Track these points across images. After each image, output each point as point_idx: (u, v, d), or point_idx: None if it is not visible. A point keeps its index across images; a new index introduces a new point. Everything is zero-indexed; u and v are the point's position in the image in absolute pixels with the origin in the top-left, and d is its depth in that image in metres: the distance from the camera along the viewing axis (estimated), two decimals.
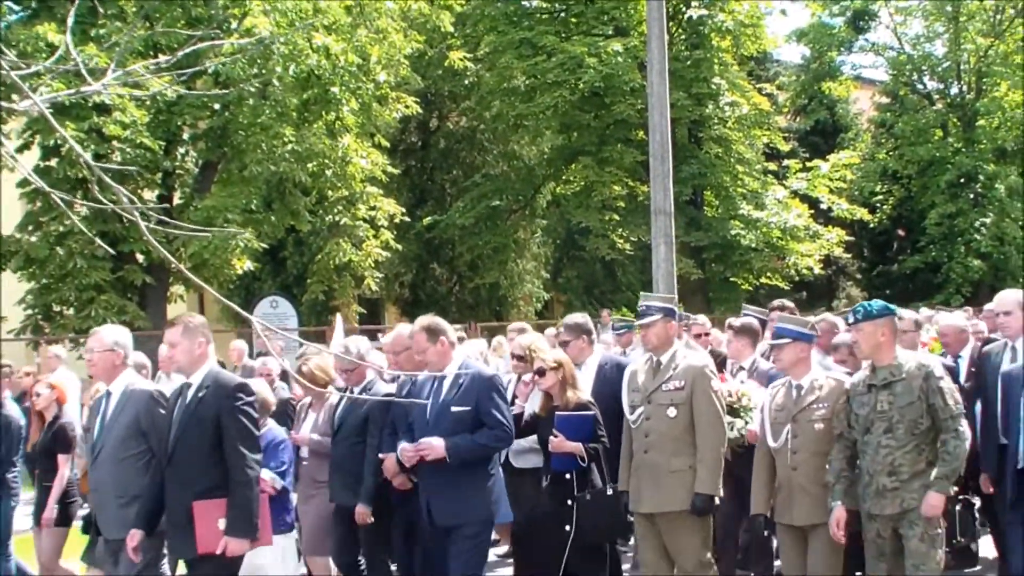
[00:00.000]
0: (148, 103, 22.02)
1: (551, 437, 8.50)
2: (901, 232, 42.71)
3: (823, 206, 35.57)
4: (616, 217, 33.07)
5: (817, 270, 34.63)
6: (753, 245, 32.44)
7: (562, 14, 33.51)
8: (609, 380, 9.83)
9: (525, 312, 36.38)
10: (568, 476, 8.52)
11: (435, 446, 7.91)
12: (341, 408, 9.38)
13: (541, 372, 8.76)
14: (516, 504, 8.76)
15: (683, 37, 32.68)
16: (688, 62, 31.64)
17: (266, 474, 8.19)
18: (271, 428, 9.14)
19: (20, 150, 22.91)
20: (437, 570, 8.20)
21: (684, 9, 32.41)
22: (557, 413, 8.62)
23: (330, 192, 25.37)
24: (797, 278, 34.76)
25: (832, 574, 7.76)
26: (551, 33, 31.44)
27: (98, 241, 9.39)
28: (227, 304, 4.56)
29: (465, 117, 36.82)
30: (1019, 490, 8.33)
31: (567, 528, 8.40)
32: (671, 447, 8.17)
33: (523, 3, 33.46)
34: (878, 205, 40.46)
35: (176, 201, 24.32)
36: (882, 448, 7.42)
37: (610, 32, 32.09)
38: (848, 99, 45.86)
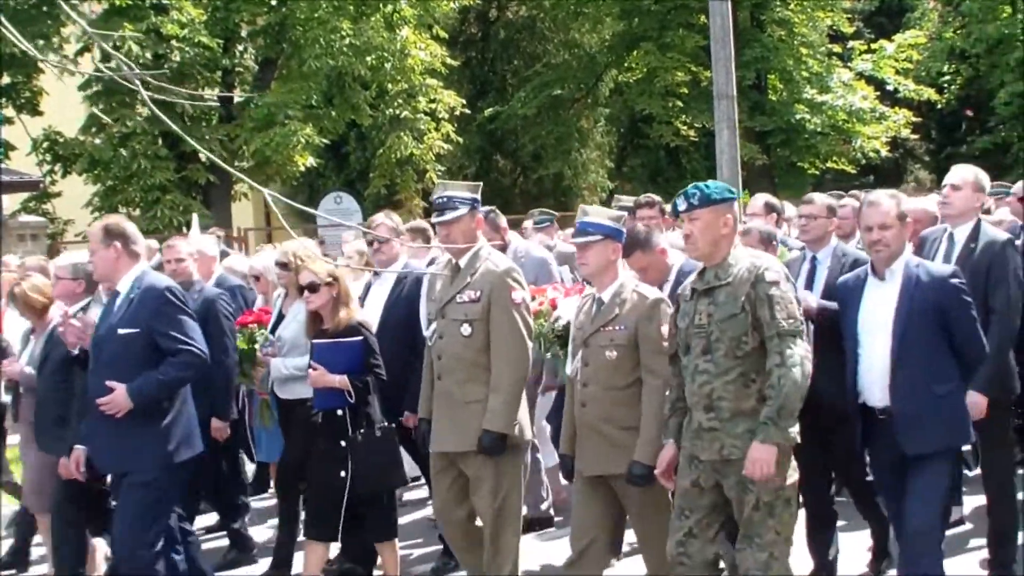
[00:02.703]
0: (205, 2, 21.99)
1: (309, 369, 7.25)
2: (970, 112, 41.88)
3: (889, 87, 34.91)
4: (679, 103, 32.66)
5: (884, 153, 34.13)
6: (818, 129, 32.03)
7: None
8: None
9: (591, 202, 36.17)
10: (340, 413, 7.25)
11: (117, 400, 6.45)
12: (45, 337, 7.85)
13: (313, 287, 7.38)
14: (288, 442, 8.06)
15: None
16: None
17: None
18: None
19: (80, 52, 22.96)
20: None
21: None
22: (315, 341, 7.35)
23: (390, 85, 25.23)
24: (864, 161, 34.29)
25: (652, 538, 6.29)
26: None
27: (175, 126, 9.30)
28: (279, 199, 4.48)
29: (524, 6, 36.50)
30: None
31: (342, 474, 7.21)
32: (465, 372, 6.76)
33: None
34: (945, 85, 39.58)
35: (236, 99, 24.33)
36: (699, 374, 5.81)
37: None
38: None
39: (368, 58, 23.86)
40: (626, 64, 33.91)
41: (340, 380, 7.14)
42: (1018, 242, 8.18)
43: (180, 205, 22.31)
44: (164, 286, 6.66)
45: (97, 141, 22.91)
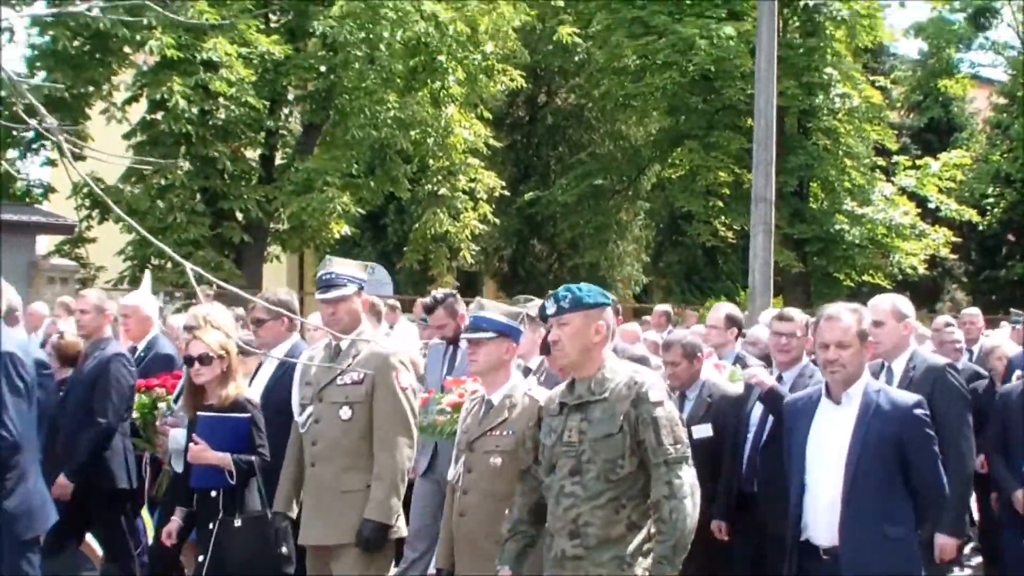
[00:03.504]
0: (255, 62, 22.18)
1: (190, 444, 6.73)
2: (1011, 237, 41.74)
3: (931, 205, 34.87)
4: (720, 203, 32.66)
5: (922, 270, 33.91)
6: (857, 241, 31.88)
7: None
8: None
9: (623, 295, 36.12)
10: (215, 494, 6.71)
11: None
12: None
13: (204, 359, 6.86)
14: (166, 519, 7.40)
15: (796, 24, 32.19)
16: (801, 50, 31.09)
17: None
18: None
19: (128, 102, 23.22)
20: None
21: None
22: (199, 414, 6.85)
23: (431, 161, 25.30)
24: (900, 277, 34.05)
25: None
26: (663, 13, 31.04)
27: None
28: (158, 246, 4.21)
29: (574, 94, 36.66)
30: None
31: (199, 559, 6.68)
32: (343, 460, 6.36)
33: None
34: (988, 208, 39.55)
35: (278, 161, 24.49)
36: (565, 496, 5.24)
37: (723, 15, 31.61)
38: (964, 98, 44.84)
39: (412, 132, 23.97)
40: (670, 160, 33.98)
41: (221, 458, 6.64)
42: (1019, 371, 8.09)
43: (212, 262, 22.35)
44: None
45: (136, 191, 23.02)
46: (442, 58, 23.79)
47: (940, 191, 34.90)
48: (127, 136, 23.14)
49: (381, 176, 24.86)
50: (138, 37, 21.08)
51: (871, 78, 36.01)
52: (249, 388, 7.32)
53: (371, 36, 22.38)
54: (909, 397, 5.81)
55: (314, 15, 22.49)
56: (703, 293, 33.37)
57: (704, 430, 7.62)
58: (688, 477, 5.12)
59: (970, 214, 35.59)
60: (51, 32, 21.42)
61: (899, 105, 43.65)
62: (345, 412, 6.34)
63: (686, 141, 32.11)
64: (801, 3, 31.52)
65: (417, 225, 26.30)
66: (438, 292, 9.14)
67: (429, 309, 9.22)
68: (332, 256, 6.94)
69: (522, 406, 5.95)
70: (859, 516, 5.52)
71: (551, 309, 5.38)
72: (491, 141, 26.79)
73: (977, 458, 8.19)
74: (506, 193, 28.99)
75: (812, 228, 31.80)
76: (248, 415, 6.82)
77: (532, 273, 35.31)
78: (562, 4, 28.91)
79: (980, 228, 38.70)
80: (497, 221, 29.00)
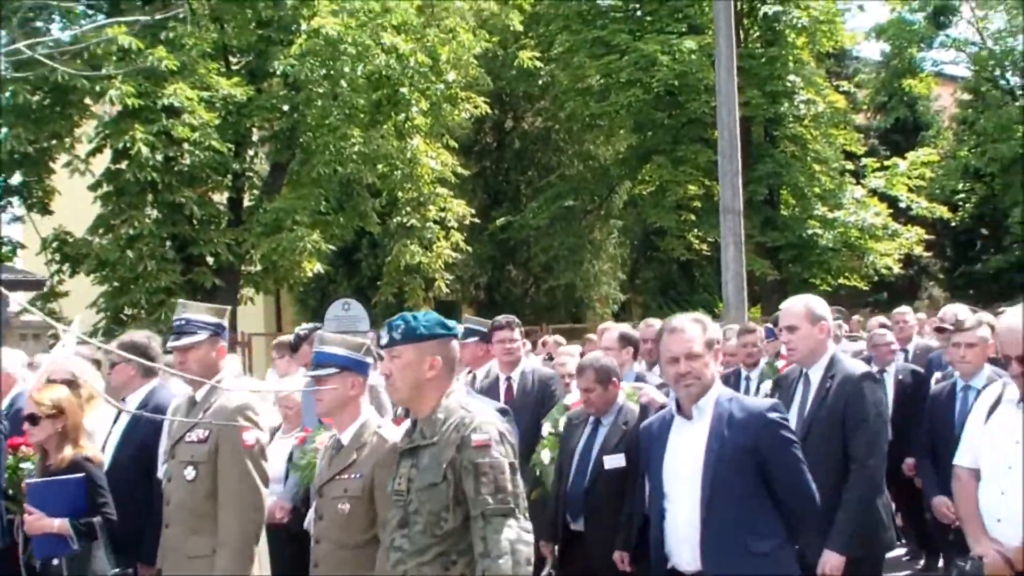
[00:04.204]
0: (218, 105, 22.12)
1: (24, 515, 6.39)
2: (984, 231, 41.92)
3: (902, 204, 34.98)
4: (692, 217, 32.71)
5: (897, 270, 34.03)
6: (831, 245, 31.98)
7: (636, 12, 33.26)
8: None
9: (601, 314, 36.09)
10: (57, 562, 6.36)
11: None
12: None
13: (32, 419, 6.55)
14: None
15: (757, 34, 32.37)
16: (763, 59, 31.21)
17: None
18: None
19: (92, 153, 23.11)
20: None
21: (759, 6, 31.96)
22: (29, 481, 6.53)
23: (399, 193, 25.23)
24: (877, 278, 34.19)
25: None
26: (624, 31, 31.16)
27: None
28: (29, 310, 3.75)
29: (540, 117, 36.72)
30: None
31: None
32: (190, 522, 5.94)
33: (596, 1, 33.26)
34: (960, 204, 39.70)
35: (246, 203, 24.41)
36: (393, 550, 4.82)
37: (683, 29, 31.72)
38: (929, 96, 45.03)
39: (378, 166, 23.90)
40: (639, 176, 34.04)
41: (59, 524, 6.32)
42: (938, 373, 8.00)
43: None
44: None
45: (104, 241, 22.91)
46: (404, 90, 23.70)
47: (910, 190, 35.06)
48: (92, 187, 23.02)
49: (349, 212, 24.80)
50: (98, 87, 20.97)
51: (835, 83, 36.27)
52: (93, 444, 6.93)
53: (332, 72, 22.29)
54: (762, 402, 5.55)
55: (274, 55, 22.41)
56: (680, 307, 33.33)
57: (617, 460, 7.40)
58: (509, 533, 4.56)
59: (941, 211, 35.72)
60: (11, 87, 21.33)
61: (865, 107, 43.95)
62: (189, 472, 5.93)
63: (654, 157, 32.20)
64: (760, 13, 31.64)
65: (389, 258, 26.24)
66: (302, 328, 9.05)
67: (294, 347, 9.15)
68: (188, 301, 6.61)
69: (370, 446, 5.57)
70: (720, 535, 5.17)
71: (383, 339, 4.98)
72: (459, 169, 26.72)
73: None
74: (476, 221, 28.94)
75: (785, 235, 31.89)
76: (82, 474, 6.46)
77: (508, 298, 35.23)
78: (521, 29, 28.84)
79: (953, 224, 38.85)
80: (470, 249, 28.94)
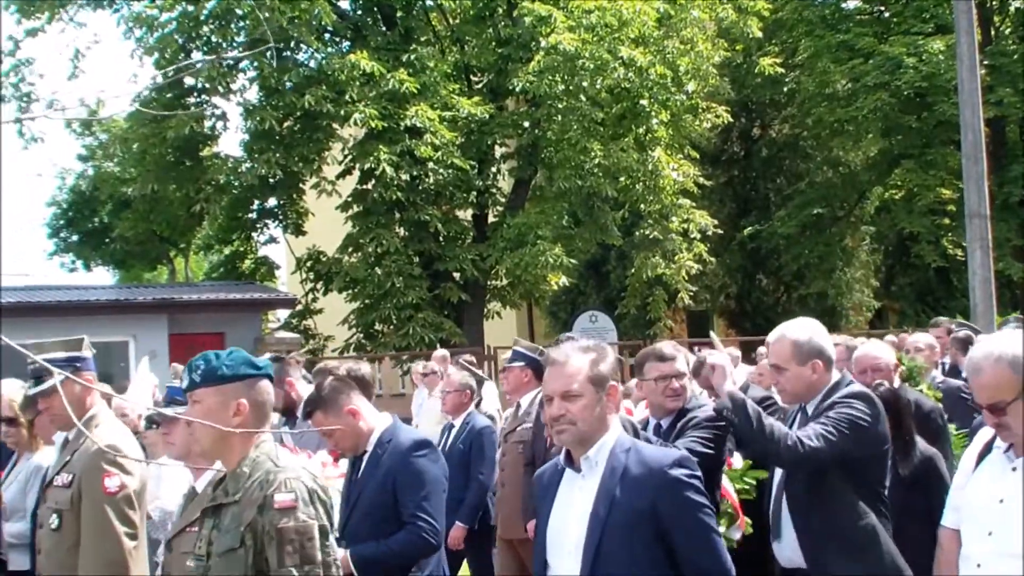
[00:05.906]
0: (459, 124, 22.53)
1: None
2: None
3: None
4: (946, 221, 31.63)
5: None
6: None
7: (880, 14, 32.46)
8: None
9: (855, 322, 35.31)
10: None
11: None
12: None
13: None
14: None
15: (1009, 31, 31.12)
16: (1015, 56, 30.02)
17: None
18: None
19: (341, 175, 23.84)
20: None
21: (1011, 1, 30.81)
22: None
23: (642, 206, 25.15)
24: None
25: None
26: (868, 35, 30.45)
27: None
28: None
29: (787, 124, 36.13)
30: None
31: None
32: (56, 573, 5.40)
33: (841, 5, 32.59)
34: None
35: (490, 219, 24.75)
36: None
37: (930, 30, 30.75)
38: None
39: (620, 179, 23.92)
40: (889, 182, 33.14)
41: None
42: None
43: (432, 324, 22.66)
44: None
45: (353, 260, 23.59)
46: (644, 102, 23.70)
47: None
48: (342, 208, 23.77)
49: (590, 225, 24.87)
50: (343, 111, 21.62)
51: None
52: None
53: (571, 87, 22.46)
54: (666, 454, 4.26)
55: (513, 72, 22.70)
56: (938, 314, 32.33)
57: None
58: None
59: None
60: (259, 116, 22.18)
61: None
62: (53, 520, 5.36)
63: (903, 161, 31.27)
64: (1012, 8, 30.47)
65: (632, 271, 26.20)
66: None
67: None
68: (40, 340, 5.78)
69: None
70: None
71: (184, 381, 4.21)
72: (701, 180, 26.51)
73: None
74: (720, 231, 28.62)
75: None
76: None
77: (759, 307, 34.83)
78: (762, 36, 28.45)
79: None
80: (713, 260, 28.66)
